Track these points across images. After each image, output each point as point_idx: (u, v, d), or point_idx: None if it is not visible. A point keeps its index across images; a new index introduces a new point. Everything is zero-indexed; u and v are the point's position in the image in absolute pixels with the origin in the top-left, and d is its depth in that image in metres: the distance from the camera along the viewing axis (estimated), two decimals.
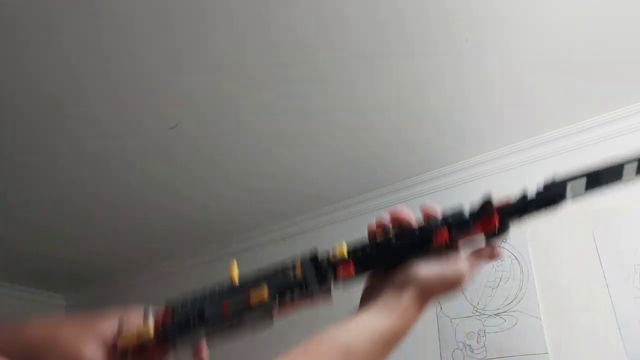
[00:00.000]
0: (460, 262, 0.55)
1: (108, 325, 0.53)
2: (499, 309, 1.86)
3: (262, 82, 1.67)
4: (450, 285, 0.54)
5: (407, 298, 0.52)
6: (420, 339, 2.00)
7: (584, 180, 0.58)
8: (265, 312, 0.51)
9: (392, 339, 0.50)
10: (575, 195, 0.58)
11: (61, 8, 1.38)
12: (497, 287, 1.89)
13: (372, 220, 0.57)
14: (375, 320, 0.50)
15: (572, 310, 1.71)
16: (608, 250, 1.71)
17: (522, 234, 1.90)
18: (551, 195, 0.56)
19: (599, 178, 0.59)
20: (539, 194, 0.56)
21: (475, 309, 1.90)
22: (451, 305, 1.96)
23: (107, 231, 2.67)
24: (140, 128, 1.84)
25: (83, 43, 1.50)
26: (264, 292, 0.50)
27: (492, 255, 0.58)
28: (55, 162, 2.04)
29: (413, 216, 0.57)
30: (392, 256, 0.54)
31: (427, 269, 0.53)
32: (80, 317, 0.54)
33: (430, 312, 2.00)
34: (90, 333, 0.51)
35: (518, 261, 1.88)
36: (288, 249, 2.52)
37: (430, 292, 0.53)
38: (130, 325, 0.53)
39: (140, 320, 0.53)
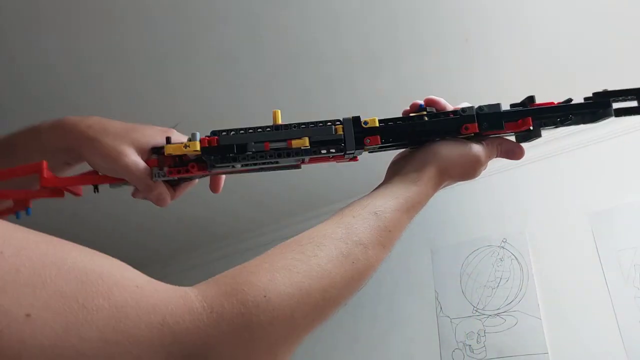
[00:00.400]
0: (481, 149, 0.58)
1: (153, 135, 0.55)
2: (499, 309, 1.86)
3: (269, 79, 1.67)
4: (465, 170, 0.58)
5: (426, 175, 0.55)
6: (420, 339, 2.00)
7: (634, 101, 0.57)
8: (298, 159, 0.54)
9: (413, 208, 0.54)
10: (622, 113, 0.57)
11: (69, 5, 1.38)
12: (497, 287, 1.89)
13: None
14: (399, 190, 0.54)
15: (572, 310, 1.71)
16: (608, 250, 1.71)
17: (522, 234, 1.90)
18: (596, 105, 0.57)
19: None
20: (585, 101, 0.57)
21: (475, 309, 1.90)
22: (451, 305, 1.96)
23: (107, 231, 2.67)
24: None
25: (92, 36, 1.50)
26: (306, 142, 0.53)
27: (515, 152, 0.61)
28: None
29: (449, 105, 0.59)
30: (420, 133, 0.57)
31: (448, 150, 0.57)
32: (126, 124, 0.55)
33: (430, 312, 2.00)
34: (134, 139, 0.54)
35: (518, 261, 1.88)
36: None
37: (447, 172, 0.57)
38: (176, 140, 0.54)
39: (185, 139, 0.54)
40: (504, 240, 1.94)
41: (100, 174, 0.55)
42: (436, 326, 1.96)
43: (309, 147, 0.53)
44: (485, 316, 1.87)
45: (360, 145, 0.55)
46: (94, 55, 1.56)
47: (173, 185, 0.58)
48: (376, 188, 0.56)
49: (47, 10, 1.39)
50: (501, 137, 0.61)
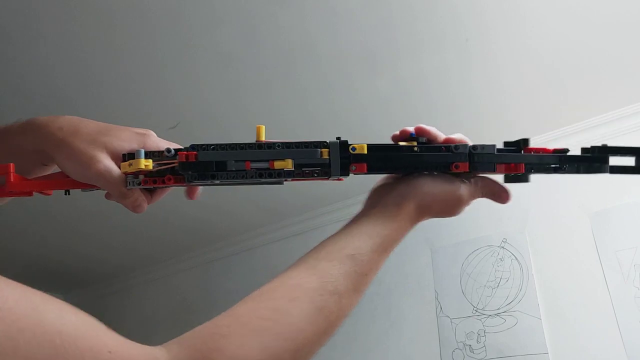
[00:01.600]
0: (466, 189, 0.57)
1: (128, 138, 0.52)
2: (499, 309, 1.86)
3: (268, 79, 1.67)
4: (447, 208, 0.56)
5: (405, 210, 0.53)
6: (420, 339, 2.00)
7: (632, 159, 0.57)
8: (279, 179, 0.53)
9: (390, 247, 0.52)
10: (617, 171, 0.57)
11: (71, 3, 1.38)
12: (497, 287, 1.89)
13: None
14: (377, 227, 0.52)
15: (572, 310, 1.71)
16: (608, 250, 1.71)
17: (522, 234, 1.90)
18: (593, 160, 0.56)
19: None
20: (583, 153, 0.57)
21: (475, 309, 1.90)
22: (451, 305, 1.96)
23: (107, 231, 2.67)
24: (148, 125, 1.84)
25: (90, 36, 1.49)
26: (289, 165, 0.51)
27: (501, 196, 0.59)
28: None
29: (441, 134, 0.57)
30: (408, 165, 0.55)
31: (431, 187, 0.55)
32: (100, 124, 0.53)
33: (430, 312, 2.00)
34: (108, 143, 0.51)
35: (518, 261, 1.88)
36: (288, 249, 2.52)
37: (428, 210, 0.55)
38: (152, 145, 0.52)
39: (164, 144, 0.53)
40: (504, 240, 1.94)
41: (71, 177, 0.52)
42: (436, 326, 1.96)
43: (292, 170, 0.51)
44: (485, 316, 1.87)
45: (345, 171, 0.53)
46: (92, 56, 1.55)
47: (150, 190, 0.56)
48: (353, 220, 0.54)
49: (47, 10, 1.39)
50: (489, 179, 0.60)
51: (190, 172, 0.50)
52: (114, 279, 3.40)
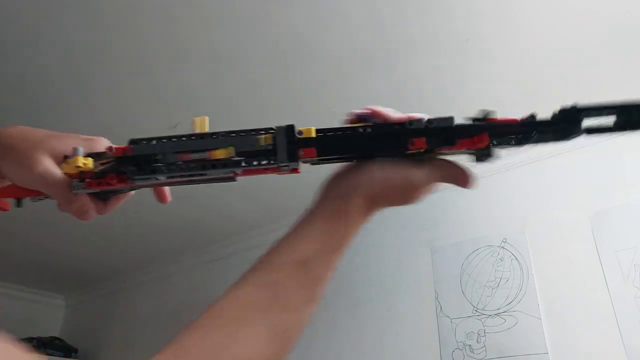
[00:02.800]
0: (421, 173, 0.50)
1: (75, 144, 0.50)
2: (499, 309, 1.86)
3: (262, 80, 1.67)
4: (400, 197, 0.51)
5: (354, 204, 0.48)
6: (420, 339, 2.00)
7: (612, 117, 0.50)
8: (228, 172, 0.49)
9: (341, 244, 0.48)
10: (594, 131, 0.50)
11: (63, 4, 1.38)
12: (497, 287, 1.89)
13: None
14: (325, 225, 0.47)
15: (572, 310, 1.71)
16: (608, 250, 1.71)
17: (522, 234, 1.90)
18: (564, 122, 0.50)
19: (632, 119, 0.50)
20: (552, 118, 0.50)
21: (475, 309, 1.90)
22: (451, 305, 1.96)
23: (108, 232, 2.68)
24: (142, 127, 1.84)
25: (85, 37, 1.50)
26: (231, 152, 0.48)
27: (462, 179, 0.52)
28: None
29: (396, 115, 0.52)
30: (361, 147, 0.51)
31: (383, 173, 0.49)
32: (48, 132, 0.51)
33: (430, 312, 2.00)
34: (53, 147, 0.49)
35: (518, 261, 1.88)
36: None
37: (378, 200, 0.50)
38: (91, 150, 0.51)
39: (100, 148, 0.51)
40: (504, 240, 1.94)
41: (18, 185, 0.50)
42: (436, 326, 1.96)
43: (234, 159, 0.48)
44: (485, 316, 1.87)
45: (293, 157, 0.48)
46: (85, 57, 1.56)
47: (103, 198, 0.53)
48: (301, 218, 0.49)
49: (43, 13, 1.39)
50: (448, 161, 0.53)
51: (129, 168, 0.48)
52: (114, 279, 3.40)
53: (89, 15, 1.42)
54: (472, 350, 1.85)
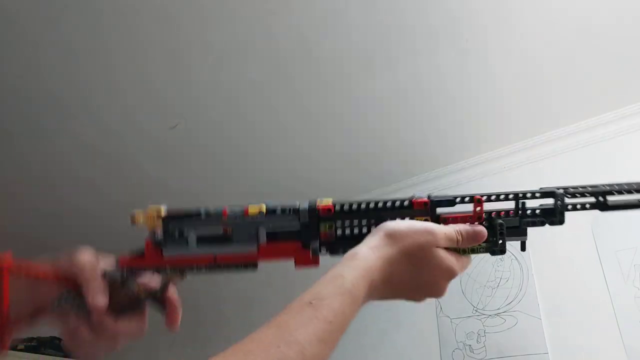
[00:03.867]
0: (436, 232, 0.53)
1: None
2: (499, 309, 1.86)
3: (263, 80, 1.67)
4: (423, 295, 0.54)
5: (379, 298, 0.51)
6: (420, 339, 2.00)
7: (592, 199, 0.60)
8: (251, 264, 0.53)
9: (357, 292, 0.48)
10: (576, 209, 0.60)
11: (63, 5, 1.38)
12: (497, 287, 1.89)
13: None
14: (344, 270, 0.48)
15: (572, 310, 1.71)
16: (608, 250, 1.71)
17: None
18: (551, 215, 0.60)
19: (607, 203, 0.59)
20: (541, 211, 0.59)
21: (475, 309, 1.90)
22: (451, 305, 1.96)
23: (109, 230, 2.67)
24: (142, 127, 1.84)
25: (85, 38, 1.50)
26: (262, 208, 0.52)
27: (477, 237, 0.57)
28: (56, 160, 2.04)
29: None
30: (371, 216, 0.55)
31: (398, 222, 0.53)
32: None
33: (430, 312, 2.00)
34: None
35: (518, 261, 1.88)
36: None
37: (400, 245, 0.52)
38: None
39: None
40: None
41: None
42: (436, 326, 1.96)
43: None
44: (485, 316, 1.87)
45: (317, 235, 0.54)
46: (85, 58, 1.56)
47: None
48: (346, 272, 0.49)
49: (41, 13, 1.39)
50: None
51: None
52: None
53: (89, 15, 1.41)
54: (472, 350, 1.85)
